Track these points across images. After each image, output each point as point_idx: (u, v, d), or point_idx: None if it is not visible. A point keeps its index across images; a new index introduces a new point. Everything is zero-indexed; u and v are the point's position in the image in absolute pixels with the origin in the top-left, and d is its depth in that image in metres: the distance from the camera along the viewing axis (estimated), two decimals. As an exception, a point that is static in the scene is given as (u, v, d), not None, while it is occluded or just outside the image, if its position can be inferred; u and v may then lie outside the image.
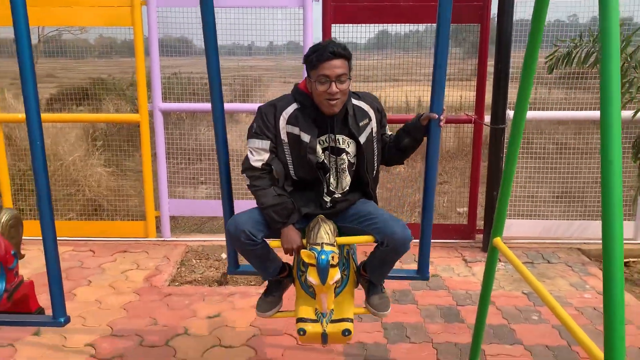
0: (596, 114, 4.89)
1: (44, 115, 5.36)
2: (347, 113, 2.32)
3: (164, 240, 5.05)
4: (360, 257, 2.76)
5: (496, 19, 4.49)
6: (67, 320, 2.24)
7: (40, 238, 2.13)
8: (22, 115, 5.21)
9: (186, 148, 5.30)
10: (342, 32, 4.72)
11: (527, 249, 4.81)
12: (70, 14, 4.50)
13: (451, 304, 3.81)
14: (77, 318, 3.59)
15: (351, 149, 2.36)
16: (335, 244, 2.21)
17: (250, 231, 2.24)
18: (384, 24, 4.68)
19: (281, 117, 2.31)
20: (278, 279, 2.54)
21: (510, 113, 4.68)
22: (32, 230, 4.00)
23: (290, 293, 2.56)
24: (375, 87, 5.21)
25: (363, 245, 2.51)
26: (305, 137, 2.28)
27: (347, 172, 2.39)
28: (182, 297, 3.94)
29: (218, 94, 2.36)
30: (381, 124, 2.46)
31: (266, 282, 2.61)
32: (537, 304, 3.81)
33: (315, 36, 4.72)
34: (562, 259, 4.62)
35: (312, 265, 2.14)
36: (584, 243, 4.92)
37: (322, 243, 2.16)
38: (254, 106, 4.98)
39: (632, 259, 4.75)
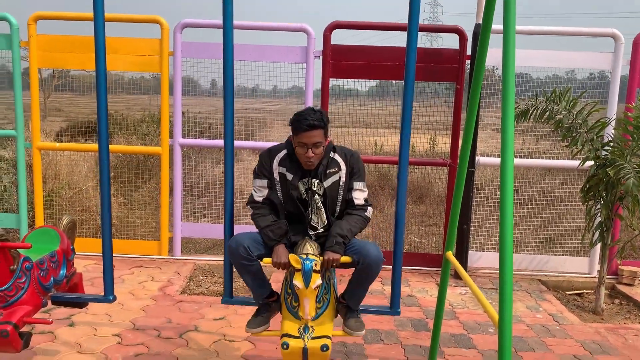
0: (554, 162, 5.68)
1: (72, 145, 6.14)
2: (322, 163, 2.89)
3: (175, 258, 5.74)
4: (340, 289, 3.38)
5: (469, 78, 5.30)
6: (114, 299, 2.92)
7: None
8: (59, 144, 5.99)
9: (190, 182, 6.03)
10: (341, 82, 5.57)
11: (494, 278, 5.49)
12: (111, 60, 5.31)
13: (421, 317, 4.47)
14: (104, 316, 4.25)
15: (321, 191, 2.90)
16: (317, 255, 2.74)
17: (249, 247, 2.77)
18: (374, 80, 5.51)
19: (274, 160, 2.93)
20: (267, 302, 3.01)
21: (480, 158, 5.46)
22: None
23: (278, 320, 2.99)
24: (374, 132, 6.03)
25: (343, 270, 3.13)
26: (289, 176, 2.90)
27: (323, 210, 2.92)
28: (192, 304, 4.60)
29: (230, 129, 2.96)
30: (350, 175, 2.94)
31: (256, 307, 3.06)
32: (494, 321, 4.46)
33: (316, 87, 5.53)
34: (523, 287, 5.30)
35: (298, 270, 2.65)
36: (544, 275, 5.61)
37: (307, 253, 2.71)
38: (257, 144, 5.77)
39: (585, 290, 5.43)
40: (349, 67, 5.35)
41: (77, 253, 3.36)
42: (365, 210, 2.97)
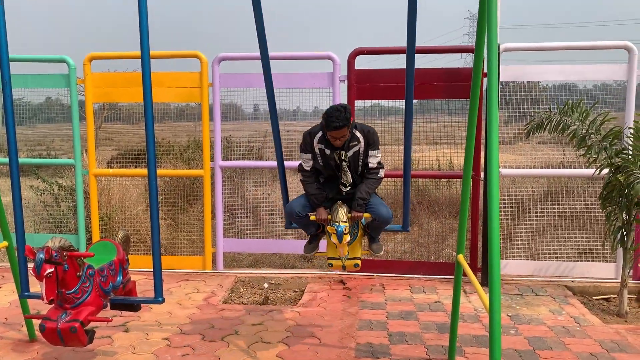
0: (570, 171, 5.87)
1: (124, 171, 6.72)
2: (347, 140, 3.85)
3: (218, 272, 6.20)
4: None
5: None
6: (164, 300, 3.36)
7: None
8: (112, 170, 6.59)
9: (233, 204, 6.51)
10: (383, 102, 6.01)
11: (519, 284, 5.70)
12: (156, 93, 5.87)
13: (445, 320, 4.75)
14: (154, 322, 4.72)
15: (347, 159, 3.91)
16: (347, 220, 3.80)
17: (299, 211, 4.01)
18: (396, 100, 5.89)
19: (315, 139, 3.92)
20: (316, 234, 4.29)
21: (502, 170, 5.72)
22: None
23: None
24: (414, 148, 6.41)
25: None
26: (327, 151, 3.90)
27: (349, 172, 3.95)
28: (233, 312, 5.02)
29: (278, 143, 4.17)
30: (366, 146, 3.88)
31: (309, 239, 4.34)
32: (517, 323, 4.69)
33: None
34: (548, 293, 5.48)
35: (334, 233, 3.78)
36: (571, 281, 5.77)
37: (339, 221, 3.77)
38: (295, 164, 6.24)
39: (612, 295, 5.56)
40: (372, 89, 5.75)
41: (130, 270, 3.83)
42: (378, 172, 3.98)
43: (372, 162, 3.96)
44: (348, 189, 4.03)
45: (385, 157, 6.37)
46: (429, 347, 4.19)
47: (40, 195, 7.49)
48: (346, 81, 5.79)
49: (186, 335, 4.44)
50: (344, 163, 3.92)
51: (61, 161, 7.70)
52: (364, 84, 5.74)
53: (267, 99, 4.01)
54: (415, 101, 6.32)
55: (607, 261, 5.86)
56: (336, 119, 3.65)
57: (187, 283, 5.87)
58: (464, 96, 5.75)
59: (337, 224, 3.76)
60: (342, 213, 3.81)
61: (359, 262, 4.11)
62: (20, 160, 7.10)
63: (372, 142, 3.93)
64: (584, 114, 4.93)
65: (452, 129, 6.47)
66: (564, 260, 5.93)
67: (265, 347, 4.21)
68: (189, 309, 5.06)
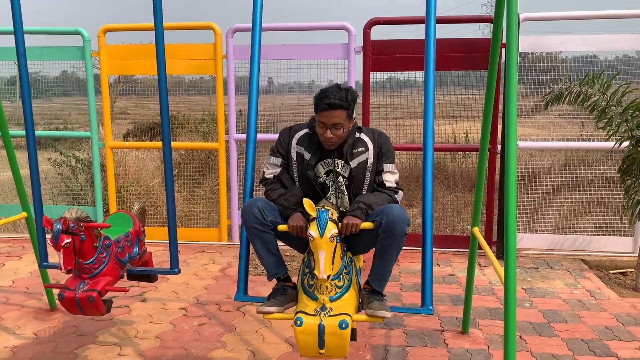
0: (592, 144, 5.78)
1: (140, 143, 6.76)
2: (346, 143, 2.74)
3: (234, 244, 6.25)
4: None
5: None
6: (179, 271, 3.40)
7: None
8: (128, 143, 6.63)
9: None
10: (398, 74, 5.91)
11: (535, 258, 5.67)
12: (170, 65, 5.86)
13: (460, 293, 4.75)
14: (171, 293, 4.79)
15: (346, 173, 2.77)
16: (336, 222, 2.48)
17: (263, 209, 2.60)
18: (412, 71, 5.80)
19: (294, 138, 2.81)
20: (282, 287, 2.76)
21: (519, 143, 5.64)
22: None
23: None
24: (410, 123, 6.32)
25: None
26: (307, 156, 2.74)
27: (346, 194, 2.79)
28: (249, 283, 5.04)
29: (254, 118, 2.99)
30: (378, 156, 2.79)
31: (271, 291, 2.85)
32: (531, 296, 4.68)
33: (358, 79, 5.88)
34: (564, 266, 5.45)
35: (313, 219, 2.43)
36: (588, 255, 5.72)
37: (323, 206, 2.51)
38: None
39: (629, 269, 5.51)
40: (388, 61, 5.66)
41: (146, 241, 3.86)
42: (396, 192, 2.79)
43: (389, 181, 2.79)
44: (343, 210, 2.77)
45: (400, 131, 6.32)
46: (443, 319, 4.20)
47: (58, 167, 7.57)
48: (361, 52, 5.70)
49: (203, 306, 4.50)
50: (340, 179, 2.75)
51: (78, 134, 7.77)
52: (380, 55, 5.65)
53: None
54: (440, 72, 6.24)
55: (624, 235, 5.80)
56: (332, 95, 2.60)
57: (203, 255, 5.93)
58: (482, 67, 5.65)
59: (321, 207, 2.50)
60: (327, 205, 2.59)
61: (348, 319, 2.42)
62: (37, 132, 7.23)
63: (386, 151, 2.81)
64: (606, 86, 4.82)
65: (469, 101, 6.37)
66: (580, 235, 5.88)
67: (281, 321, 4.24)
68: (205, 280, 5.13)
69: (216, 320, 4.20)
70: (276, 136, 2.94)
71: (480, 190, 3.49)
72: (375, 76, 5.84)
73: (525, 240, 5.88)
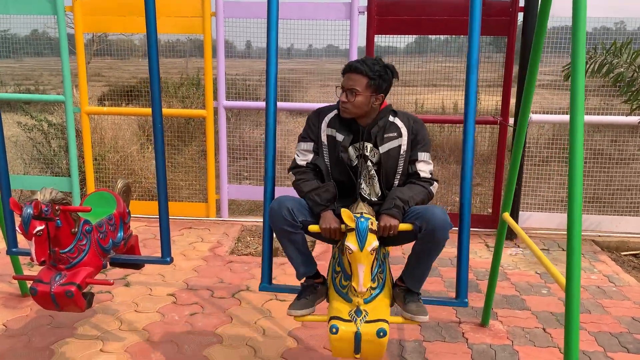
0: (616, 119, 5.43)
1: (119, 109, 6.21)
2: (377, 124, 2.53)
3: (223, 220, 5.81)
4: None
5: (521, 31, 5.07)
6: (172, 260, 2.97)
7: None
8: (106, 108, 6.07)
9: (231, 145, 6.03)
10: (384, 41, 5.40)
11: (545, 238, 5.36)
12: (154, 23, 5.29)
13: (472, 278, 4.42)
14: (157, 275, 4.36)
15: (375, 158, 2.54)
16: (374, 220, 2.33)
17: (293, 210, 2.39)
18: (421, 35, 5.32)
19: (323, 121, 2.60)
20: (312, 284, 2.59)
21: (532, 116, 5.25)
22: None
23: (323, 307, 2.61)
24: (413, 91, 5.87)
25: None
26: (340, 137, 2.53)
27: (376, 179, 2.56)
28: (242, 264, 4.67)
29: (273, 92, 2.73)
30: (412, 144, 2.56)
31: (299, 291, 2.63)
32: (547, 282, 4.38)
33: (360, 43, 5.39)
34: (576, 248, 5.15)
35: (351, 230, 2.23)
36: (598, 236, 5.44)
37: (362, 213, 2.31)
38: (296, 105, 5.77)
39: (641, 251, 5.26)
40: (395, 23, 5.17)
41: (133, 215, 3.42)
42: (431, 184, 2.57)
43: (423, 170, 2.55)
44: (374, 199, 2.59)
45: (406, 101, 5.89)
46: (458, 309, 3.86)
47: (29, 132, 6.97)
48: (365, 13, 5.20)
49: (193, 291, 4.09)
50: (369, 164, 2.54)
51: (50, 97, 7.12)
52: (385, 16, 5.16)
53: (267, 32, 2.68)
54: (438, 37, 5.77)
55: (637, 215, 5.52)
56: (359, 62, 2.46)
57: (190, 231, 5.49)
58: (497, 32, 5.21)
59: (358, 215, 2.28)
60: (364, 206, 2.43)
61: (386, 326, 2.28)
62: (5, 95, 6.62)
63: (421, 139, 2.56)
64: (634, 56, 4.44)
65: (450, 70, 5.88)
66: (590, 214, 5.58)
67: (280, 306, 3.87)
68: (194, 261, 4.70)
69: (210, 309, 3.80)
70: (260, 104, 2.62)
71: (515, 170, 3.10)
72: (380, 39, 5.34)
73: (532, 219, 5.55)
